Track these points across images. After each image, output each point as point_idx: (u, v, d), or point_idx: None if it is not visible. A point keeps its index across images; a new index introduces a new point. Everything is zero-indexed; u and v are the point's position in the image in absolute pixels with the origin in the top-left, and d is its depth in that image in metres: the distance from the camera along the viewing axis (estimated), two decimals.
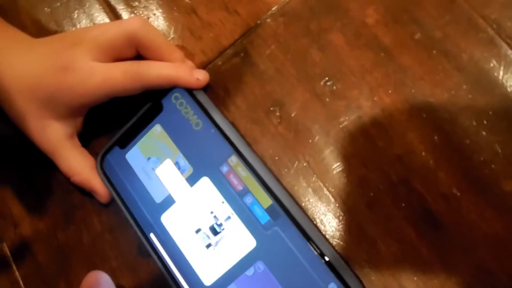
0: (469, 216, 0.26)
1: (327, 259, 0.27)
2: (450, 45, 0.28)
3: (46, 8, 0.40)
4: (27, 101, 0.32)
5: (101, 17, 0.38)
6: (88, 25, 0.38)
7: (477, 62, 0.28)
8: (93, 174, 0.33)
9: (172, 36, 0.35)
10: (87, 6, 0.38)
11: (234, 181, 0.30)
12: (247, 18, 0.33)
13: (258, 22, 0.33)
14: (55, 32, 0.39)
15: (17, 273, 0.36)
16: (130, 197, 0.32)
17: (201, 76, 0.32)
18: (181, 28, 0.35)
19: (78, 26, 0.38)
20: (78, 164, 0.33)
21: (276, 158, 0.30)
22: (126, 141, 0.33)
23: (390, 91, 0.29)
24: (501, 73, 0.27)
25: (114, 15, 0.37)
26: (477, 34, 0.28)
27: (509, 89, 0.27)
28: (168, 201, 0.31)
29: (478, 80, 0.27)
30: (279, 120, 0.31)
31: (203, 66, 0.34)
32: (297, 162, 0.30)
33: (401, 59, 0.29)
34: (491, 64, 0.27)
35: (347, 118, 0.29)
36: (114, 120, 0.35)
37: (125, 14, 0.37)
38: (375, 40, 0.30)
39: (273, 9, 0.33)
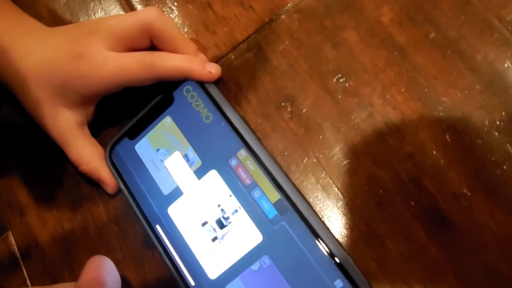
0: (479, 217, 0.26)
1: (333, 256, 0.26)
2: (464, 45, 0.28)
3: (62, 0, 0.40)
4: (40, 88, 0.32)
5: (117, 9, 0.38)
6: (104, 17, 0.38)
7: (491, 63, 0.27)
8: (102, 164, 0.33)
9: (186, 30, 0.35)
10: None
11: (243, 175, 0.29)
12: (262, 14, 0.33)
13: (273, 18, 0.33)
14: (70, 23, 0.39)
15: (21, 262, 0.36)
16: (137, 188, 0.32)
17: (213, 70, 0.32)
18: (195, 21, 0.35)
19: (93, 17, 0.39)
20: (87, 154, 0.33)
21: (286, 153, 0.30)
22: (136, 132, 0.33)
23: (402, 90, 0.29)
24: None
25: (130, 7, 0.38)
26: (492, 35, 0.28)
27: None
28: (176, 193, 0.31)
29: (491, 81, 0.27)
30: (290, 116, 0.31)
31: (216, 60, 0.34)
32: (306, 158, 0.30)
33: (414, 58, 0.29)
34: (505, 65, 0.27)
35: (358, 115, 0.29)
36: (124, 111, 0.35)
37: (140, 7, 0.37)
38: (389, 38, 0.30)
39: (288, 5, 0.33)
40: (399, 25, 0.30)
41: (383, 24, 0.30)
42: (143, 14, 0.31)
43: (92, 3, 0.39)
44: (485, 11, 0.28)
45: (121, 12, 0.38)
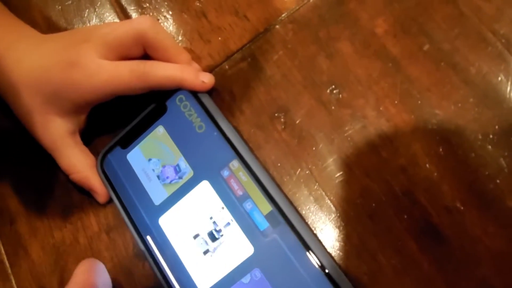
0: (472, 231, 0.25)
1: (325, 269, 0.26)
2: (458, 57, 0.28)
3: (57, 6, 0.40)
4: (32, 95, 0.32)
5: (111, 17, 0.38)
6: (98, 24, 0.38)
7: (485, 76, 0.27)
8: (93, 173, 0.33)
9: (180, 38, 0.35)
10: (98, 5, 0.39)
11: (235, 186, 0.29)
12: (256, 24, 0.33)
13: (267, 28, 0.33)
14: (65, 30, 0.39)
15: (9, 270, 0.36)
16: (128, 197, 0.32)
17: (206, 79, 0.31)
18: (190, 30, 0.35)
19: (88, 24, 0.39)
20: (78, 162, 0.33)
21: (279, 164, 0.30)
22: (128, 141, 0.33)
23: (396, 102, 0.29)
24: (508, 88, 0.27)
25: (125, 15, 0.37)
26: (486, 48, 0.28)
27: None
28: (167, 204, 0.31)
29: (485, 94, 0.27)
30: (283, 126, 0.31)
31: (210, 69, 0.34)
32: (299, 169, 0.30)
33: (408, 70, 0.29)
34: (499, 79, 0.27)
35: (352, 127, 0.29)
36: (117, 120, 0.35)
37: (135, 15, 0.37)
38: (383, 50, 0.30)
39: (282, 15, 0.33)
40: (393, 36, 0.30)
41: (377, 35, 0.30)
42: (137, 23, 0.31)
43: (87, 10, 0.39)
44: (479, 24, 0.28)
45: (116, 20, 0.38)
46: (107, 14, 0.38)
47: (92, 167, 0.33)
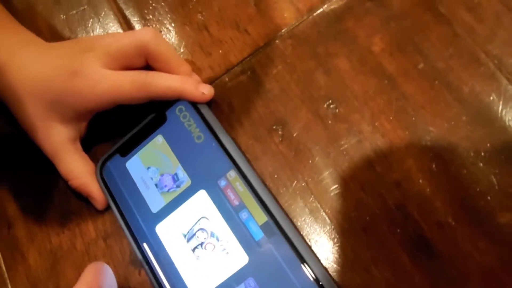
0: (464, 246, 0.26)
1: (319, 281, 0.27)
2: (452, 76, 0.29)
3: (62, 15, 0.41)
4: (34, 102, 0.32)
5: (115, 27, 0.39)
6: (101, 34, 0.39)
7: (478, 95, 0.28)
8: (92, 180, 0.33)
9: (182, 50, 0.36)
10: (102, 15, 0.39)
11: (231, 196, 0.30)
12: (256, 38, 0.34)
13: (267, 42, 0.34)
14: (68, 39, 0.40)
15: (6, 274, 0.36)
16: (126, 205, 0.32)
17: (206, 91, 0.32)
18: (191, 43, 0.36)
19: (92, 34, 0.39)
20: (77, 168, 0.33)
21: (275, 176, 0.31)
22: (128, 149, 0.34)
23: (391, 118, 0.29)
24: (500, 107, 0.28)
25: (128, 26, 0.38)
26: (479, 68, 0.29)
27: (507, 123, 0.27)
28: (164, 212, 0.31)
29: (477, 113, 0.28)
30: (281, 139, 0.31)
31: (210, 81, 0.34)
32: (295, 181, 0.30)
33: (404, 87, 0.30)
34: (491, 98, 0.28)
35: (348, 141, 0.30)
36: (117, 128, 0.35)
37: (138, 26, 0.38)
38: (379, 67, 0.30)
39: (282, 31, 0.33)
40: (389, 54, 0.31)
41: (374, 53, 0.31)
42: (140, 34, 0.32)
43: (91, 20, 0.40)
44: (472, 45, 0.29)
45: (120, 31, 0.39)
46: (111, 24, 0.39)
47: (91, 174, 0.34)
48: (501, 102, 0.28)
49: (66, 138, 0.33)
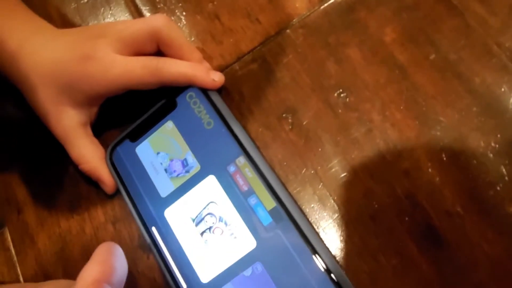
0: (472, 236, 0.26)
1: (326, 266, 0.27)
2: (463, 68, 0.29)
3: (73, 4, 0.41)
4: (47, 86, 0.32)
5: (126, 16, 0.39)
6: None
7: (489, 86, 0.28)
8: (102, 164, 0.34)
9: (193, 39, 0.36)
10: (113, 4, 0.40)
11: (240, 181, 0.30)
12: (268, 27, 0.34)
13: (279, 31, 0.34)
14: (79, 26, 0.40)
15: (15, 258, 0.36)
16: (135, 189, 0.33)
17: (216, 78, 0.32)
18: (203, 31, 0.36)
19: (103, 22, 0.40)
20: (88, 153, 0.34)
21: (285, 163, 0.31)
22: (138, 134, 0.34)
23: (402, 107, 0.29)
24: (511, 99, 0.28)
25: (139, 15, 0.38)
26: (491, 59, 0.29)
27: None
28: (173, 196, 0.32)
29: (488, 104, 0.28)
30: (290, 127, 0.31)
31: (220, 69, 0.34)
32: (305, 169, 0.30)
33: (415, 77, 0.30)
34: (502, 89, 0.28)
35: (358, 130, 0.30)
36: (128, 114, 0.35)
37: (149, 15, 0.38)
38: (391, 57, 0.31)
39: (294, 20, 0.34)
40: (400, 45, 0.31)
41: (385, 43, 0.31)
42: (152, 20, 0.32)
43: (102, 9, 0.40)
44: (485, 36, 0.29)
45: (130, 18, 0.39)
46: (122, 13, 0.39)
47: (101, 159, 0.34)
48: None
49: (77, 123, 0.33)
